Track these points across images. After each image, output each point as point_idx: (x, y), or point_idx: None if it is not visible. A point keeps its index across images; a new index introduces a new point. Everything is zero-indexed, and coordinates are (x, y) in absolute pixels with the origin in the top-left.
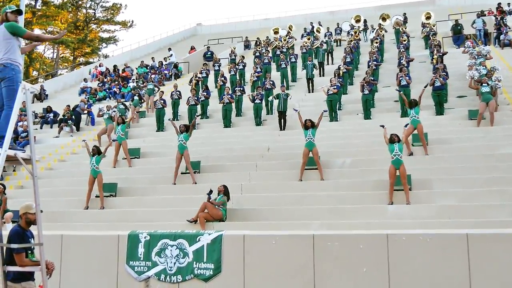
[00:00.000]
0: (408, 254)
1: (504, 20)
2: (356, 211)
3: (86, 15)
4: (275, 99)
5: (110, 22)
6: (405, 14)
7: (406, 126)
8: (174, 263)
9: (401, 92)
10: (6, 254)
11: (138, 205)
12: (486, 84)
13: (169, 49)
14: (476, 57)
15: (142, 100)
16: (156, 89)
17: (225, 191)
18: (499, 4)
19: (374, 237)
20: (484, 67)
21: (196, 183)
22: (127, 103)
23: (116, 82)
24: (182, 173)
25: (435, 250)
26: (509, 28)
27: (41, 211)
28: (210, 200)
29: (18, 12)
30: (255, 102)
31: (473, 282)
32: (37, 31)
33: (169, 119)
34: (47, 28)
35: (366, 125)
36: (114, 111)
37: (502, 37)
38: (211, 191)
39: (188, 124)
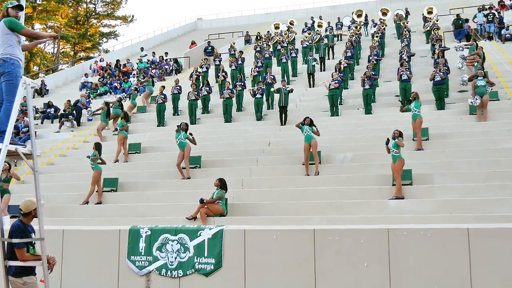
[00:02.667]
0: (409, 248)
1: (489, 16)
2: (357, 205)
3: (86, 9)
4: (275, 93)
5: (111, 16)
6: (407, 9)
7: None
8: (175, 258)
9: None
10: (7, 249)
11: (139, 200)
12: (481, 78)
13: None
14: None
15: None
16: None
17: (221, 185)
18: None
19: (375, 231)
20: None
21: (189, 178)
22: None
23: (117, 77)
24: (183, 168)
25: (436, 244)
26: (497, 23)
27: (43, 204)
28: (205, 200)
29: (19, 7)
30: (256, 97)
31: (473, 277)
32: (37, 27)
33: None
34: (48, 23)
35: (367, 119)
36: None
37: (503, 31)
38: (202, 200)
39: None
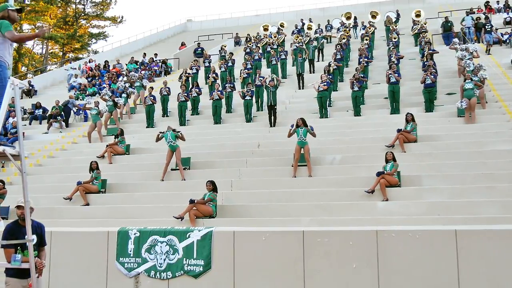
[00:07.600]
0: (397, 250)
1: (487, 27)
2: (346, 207)
3: (75, 10)
4: (265, 88)
5: (100, 17)
6: (397, 11)
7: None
8: (164, 260)
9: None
10: None
11: (128, 201)
12: (469, 80)
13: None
14: (463, 51)
15: (128, 96)
16: (144, 85)
17: (213, 188)
18: (487, 1)
19: (364, 233)
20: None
21: (184, 180)
22: (120, 100)
23: (106, 78)
24: (172, 169)
25: (424, 246)
26: (492, 26)
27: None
28: (196, 201)
29: (18, 11)
30: (245, 98)
31: (461, 278)
32: (25, 27)
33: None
34: (36, 24)
35: (356, 121)
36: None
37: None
38: (192, 200)
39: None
